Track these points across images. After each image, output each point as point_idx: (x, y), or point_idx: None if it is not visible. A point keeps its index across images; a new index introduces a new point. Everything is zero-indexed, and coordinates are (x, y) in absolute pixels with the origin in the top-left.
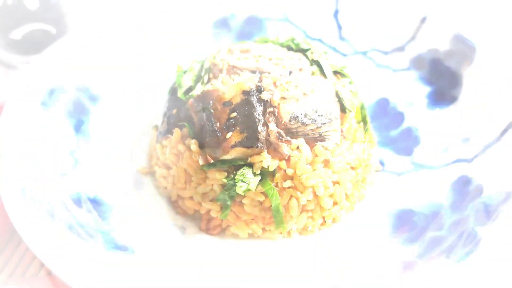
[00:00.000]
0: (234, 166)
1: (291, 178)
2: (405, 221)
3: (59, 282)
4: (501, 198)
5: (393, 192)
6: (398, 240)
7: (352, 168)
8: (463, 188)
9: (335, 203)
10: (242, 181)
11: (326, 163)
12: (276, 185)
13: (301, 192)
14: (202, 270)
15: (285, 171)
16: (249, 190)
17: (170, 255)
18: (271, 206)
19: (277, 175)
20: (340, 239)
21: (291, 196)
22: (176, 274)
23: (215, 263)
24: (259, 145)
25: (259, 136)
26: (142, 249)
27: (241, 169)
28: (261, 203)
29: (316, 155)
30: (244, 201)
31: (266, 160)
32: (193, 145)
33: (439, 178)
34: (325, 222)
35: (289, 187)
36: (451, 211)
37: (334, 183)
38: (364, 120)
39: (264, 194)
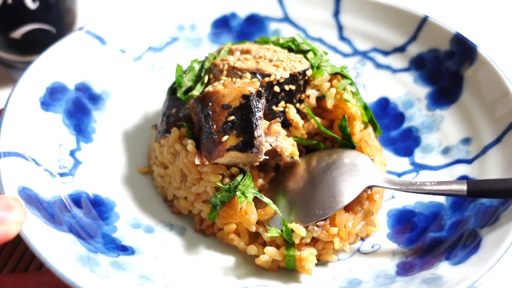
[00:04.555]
0: (229, 172)
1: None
2: (405, 222)
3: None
4: (502, 199)
5: (393, 193)
6: (398, 241)
7: None
8: None
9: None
10: (243, 193)
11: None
12: (297, 247)
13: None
14: (202, 270)
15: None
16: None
17: (170, 255)
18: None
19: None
20: None
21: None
22: (176, 274)
23: (215, 264)
24: (254, 151)
25: (255, 142)
26: (142, 249)
27: (243, 180)
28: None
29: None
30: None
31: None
32: (190, 145)
33: (439, 179)
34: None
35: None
36: (451, 212)
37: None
38: (371, 122)
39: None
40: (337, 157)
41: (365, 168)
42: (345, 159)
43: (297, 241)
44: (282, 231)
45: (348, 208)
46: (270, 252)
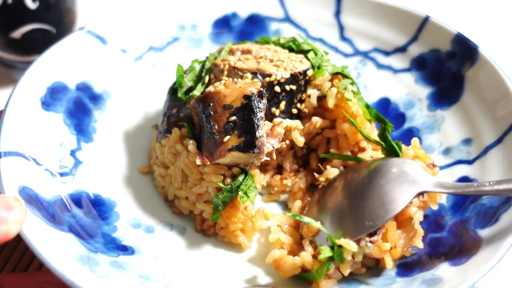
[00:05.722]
0: (231, 172)
1: None
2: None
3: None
4: (502, 200)
5: None
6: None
7: None
8: None
9: None
10: (246, 193)
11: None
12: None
13: None
14: (202, 270)
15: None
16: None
17: (170, 255)
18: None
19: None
20: None
21: None
22: (176, 274)
23: (215, 264)
24: (255, 151)
25: (256, 142)
26: (142, 249)
27: (245, 180)
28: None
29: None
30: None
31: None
32: (191, 145)
33: (439, 180)
34: None
35: None
36: (452, 213)
37: None
38: (379, 119)
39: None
40: (381, 166)
41: (414, 173)
42: (391, 167)
43: (348, 258)
44: (330, 247)
45: (400, 225)
46: (304, 257)
